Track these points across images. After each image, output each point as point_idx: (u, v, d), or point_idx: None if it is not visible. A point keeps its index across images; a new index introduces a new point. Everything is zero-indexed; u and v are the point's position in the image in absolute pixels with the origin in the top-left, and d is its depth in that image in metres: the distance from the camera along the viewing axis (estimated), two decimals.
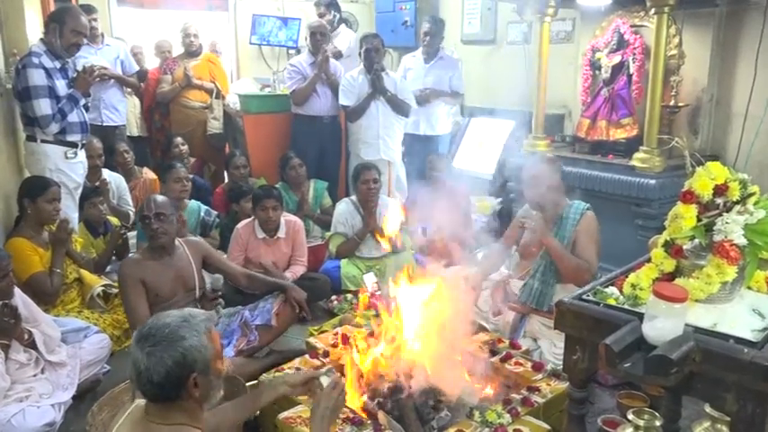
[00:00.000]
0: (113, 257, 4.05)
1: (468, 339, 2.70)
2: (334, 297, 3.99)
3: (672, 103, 3.99)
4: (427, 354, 2.54)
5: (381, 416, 2.33)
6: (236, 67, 7.04)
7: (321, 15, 5.80)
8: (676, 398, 2.22)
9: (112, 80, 5.28)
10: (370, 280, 4.07)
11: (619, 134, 4.25)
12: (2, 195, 3.75)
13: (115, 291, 3.56)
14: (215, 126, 5.72)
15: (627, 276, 1.90)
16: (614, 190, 3.93)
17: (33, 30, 4.24)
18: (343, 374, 2.62)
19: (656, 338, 1.56)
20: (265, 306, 3.34)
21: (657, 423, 1.97)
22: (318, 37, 5.05)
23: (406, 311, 2.62)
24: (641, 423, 1.97)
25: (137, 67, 5.66)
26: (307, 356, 2.88)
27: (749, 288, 1.91)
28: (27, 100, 3.53)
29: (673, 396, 2.21)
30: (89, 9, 4.94)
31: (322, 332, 3.34)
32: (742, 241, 1.76)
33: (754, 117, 3.86)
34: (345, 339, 2.96)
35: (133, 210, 4.54)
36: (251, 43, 6.29)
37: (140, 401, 1.71)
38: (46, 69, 3.54)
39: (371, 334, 2.86)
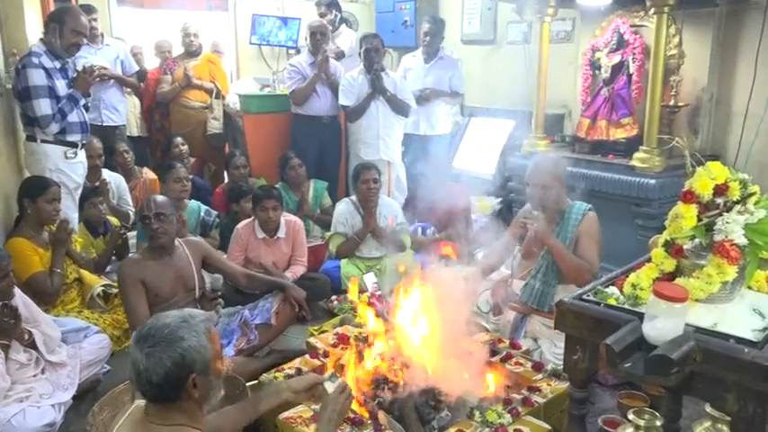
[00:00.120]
0: (113, 257, 4.05)
1: (468, 339, 2.70)
2: (334, 297, 3.99)
3: (672, 102, 3.99)
4: (427, 354, 2.54)
5: (382, 416, 2.33)
6: (235, 67, 7.04)
7: (322, 15, 5.79)
8: (677, 398, 2.21)
9: (112, 80, 5.28)
10: (369, 280, 4.07)
11: (619, 134, 4.25)
12: (2, 195, 3.75)
13: (115, 291, 3.56)
14: (215, 126, 5.72)
15: (627, 276, 1.90)
16: (614, 190, 3.93)
17: (33, 30, 4.24)
18: (343, 374, 2.63)
19: (656, 338, 1.56)
20: (265, 305, 3.34)
21: (658, 423, 1.97)
22: (318, 37, 5.05)
23: (406, 312, 2.62)
24: (642, 423, 1.97)
25: (136, 68, 5.66)
26: (307, 356, 2.88)
27: (749, 288, 1.91)
28: (27, 100, 3.53)
29: (673, 396, 2.21)
30: (89, 9, 4.95)
31: (322, 332, 3.34)
32: (742, 241, 1.76)
33: (755, 117, 3.86)
34: (345, 339, 2.97)
35: (133, 210, 4.53)
36: (251, 43, 6.29)
37: (140, 402, 1.71)
38: (46, 69, 3.54)
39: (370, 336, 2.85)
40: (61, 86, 3.63)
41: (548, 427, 2.32)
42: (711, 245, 1.79)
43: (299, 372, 2.69)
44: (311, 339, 3.13)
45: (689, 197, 1.82)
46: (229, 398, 2.23)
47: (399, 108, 4.91)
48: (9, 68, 3.91)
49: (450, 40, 5.93)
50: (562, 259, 3.05)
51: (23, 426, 2.46)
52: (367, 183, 4.22)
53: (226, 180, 5.37)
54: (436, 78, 5.33)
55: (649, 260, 1.92)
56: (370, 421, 2.31)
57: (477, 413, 2.33)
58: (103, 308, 3.55)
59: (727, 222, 1.77)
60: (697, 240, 1.83)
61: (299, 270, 4.00)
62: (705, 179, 1.82)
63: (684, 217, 1.80)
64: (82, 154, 3.87)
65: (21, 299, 2.79)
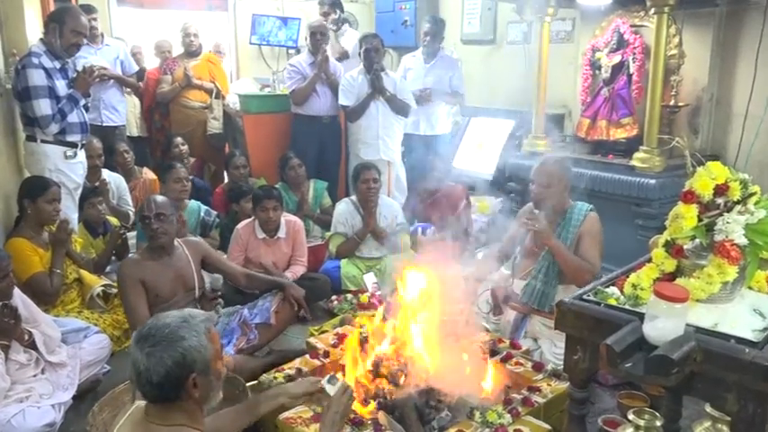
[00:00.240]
0: (113, 258, 4.04)
1: (468, 339, 2.69)
2: (334, 297, 3.99)
3: (672, 102, 3.99)
4: (428, 354, 2.54)
5: (382, 416, 2.33)
6: (235, 67, 7.04)
7: (326, 14, 5.76)
8: (677, 398, 2.21)
9: (112, 80, 5.28)
10: (370, 280, 4.08)
11: (619, 134, 4.26)
12: (2, 195, 3.75)
13: (115, 291, 3.56)
14: (215, 126, 5.71)
15: (628, 276, 1.89)
16: (614, 190, 3.93)
17: (33, 30, 4.24)
18: (343, 374, 2.63)
19: (656, 338, 1.56)
20: (264, 304, 3.35)
21: (658, 423, 1.97)
22: (318, 37, 5.05)
23: (406, 312, 2.62)
24: (642, 423, 1.97)
25: (136, 68, 5.66)
26: (307, 356, 2.88)
27: (750, 288, 1.91)
28: (27, 100, 3.53)
29: (673, 396, 2.21)
30: (89, 9, 4.94)
31: (322, 332, 3.34)
32: (743, 241, 1.76)
33: (755, 117, 3.86)
34: (345, 339, 2.96)
35: (133, 210, 4.53)
36: (251, 43, 6.28)
37: (140, 403, 1.71)
38: (46, 69, 3.54)
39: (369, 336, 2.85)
40: (61, 87, 3.63)
41: (548, 427, 2.32)
42: (712, 245, 1.79)
43: (299, 372, 2.69)
44: (311, 339, 3.13)
45: (689, 197, 1.82)
46: (229, 398, 2.23)
47: (399, 108, 4.91)
48: (9, 68, 3.91)
49: (450, 40, 5.93)
50: (563, 259, 3.05)
51: (23, 426, 2.46)
52: (367, 183, 4.22)
53: (226, 180, 5.37)
54: (436, 78, 5.33)
55: (650, 260, 1.92)
56: (370, 421, 2.31)
57: (477, 413, 2.33)
58: (103, 308, 3.54)
59: (727, 222, 1.77)
60: (697, 240, 1.83)
61: (299, 270, 4.00)
62: (705, 179, 1.82)
63: (685, 217, 1.80)
64: (82, 154, 3.87)
65: (20, 299, 2.79)
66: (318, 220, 4.79)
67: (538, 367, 2.72)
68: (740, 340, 1.55)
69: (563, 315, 1.82)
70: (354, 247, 4.28)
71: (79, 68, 3.85)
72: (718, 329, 1.62)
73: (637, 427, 1.98)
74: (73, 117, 3.69)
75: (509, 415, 2.33)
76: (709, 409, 2.07)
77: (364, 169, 4.29)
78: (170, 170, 4.33)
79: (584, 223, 3.11)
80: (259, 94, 5.77)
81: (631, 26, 4.22)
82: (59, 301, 3.42)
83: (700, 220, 1.81)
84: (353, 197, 4.40)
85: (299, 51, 5.86)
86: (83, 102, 3.77)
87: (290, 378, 2.62)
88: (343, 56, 5.66)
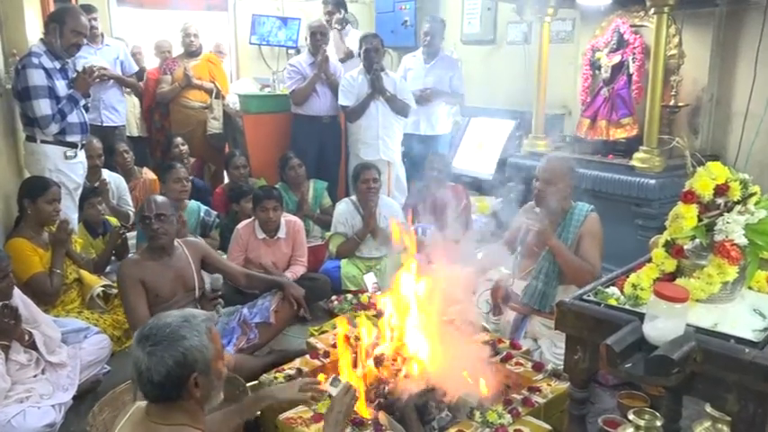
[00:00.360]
0: (113, 258, 4.04)
1: (469, 339, 2.69)
2: (334, 297, 3.99)
3: (672, 102, 3.99)
4: (428, 354, 2.54)
5: (382, 416, 2.33)
6: (235, 67, 7.04)
7: (330, 13, 5.75)
8: (677, 398, 2.21)
9: (112, 81, 5.27)
10: (370, 280, 4.08)
11: (619, 134, 4.26)
12: (2, 196, 3.75)
13: (115, 291, 3.56)
14: (215, 126, 5.71)
15: (628, 276, 1.89)
16: (614, 190, 3.93)
17: (33, 30, 4.24)
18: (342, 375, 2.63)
19: (657, 338, 1.56)
20: (264, 304, 3.35)
21: (658, 423, 1.97)
22: (318, 37, 5.05)
23: (406, 311, 2.62)
24: (642, 423, 1.97)
25: (136, 68, 5.66)
26: (307, 356, 2.88)
27: (750, 288, 1.91)
28: (27, 100, 3.53)
29: (673, 396, 2.21)
30: (89, 9, 4.94)
31: (322, 332, 3.34)
32: (743, 241, 1.76)
33: (755, 116, 3.86)
34: (346, 339, 2.96)
35: (133, 210, 4.53)
36: (251, 43, 6.28)
37: (140, 403, 1.72)
38: (46, 70, 3.54)
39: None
40: (61, 87, 3.63)
41: (548, 427, 2.32)
42: (712, 245, 1.79)
43: (299, 372, 2.69)
44: (311, 339, 3.13)
45: (689, 197, 1.82)
46: (229, 398, 2.23)
47: (399, 108, 4.91)
48: (9, 68, 3.91)
49: (450, 40, 5.94)
50: (564, 260, 3.05)
51: (23, 426, 2.46)
52: (367, 182, 4.22)
53: (226, 180, 5.36)
54: (436, 78, 5.33)
55: (650, 260, 1.92)
56: (370, 422, 2.31)
57: (477, 413, 2.33)
58: (103, 308, 3.54)
59: (727, 222, 1.77)
60: (697, 240, 1.83)
61: (299, 270, 4.00)
62: (706, 179, 1.82)
63: (685, 217, 1.80)
64: (82, 154, 3.87)
65: (20, 299, 2.78)
66: (318, 220, 4.79)
67: (538, 367, 2.71)
68: (740, 340, 1.55)
69: (563, 315, 1.82)
70: (354, 247, 4.28)
71: (79, 68, 3.85)
72: (718, 329, 1.62)
73: (637, 427, 1.98)
74: (73, 117, 3.69)
75: (509, 415, 2.33)
76: (709, 409, 2.07)
77: (364, 169, 4.29)
78: (170, 170, 4.33)
79: (584, 224, 3.11)
80: (259, 94, 5.77)
81: (631, 26, 4.22)
82: (59, 302, 3.42)
83: (700, 220, 1.81)
84: (353, 197, 4.40)
85: (298, 51, 5.86)
86: (83, 102, 3.77)
87: (290, 378, 2.62)
88: (348, 56, 5.65)
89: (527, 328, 3.18)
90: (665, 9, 3.65)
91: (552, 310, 2.66)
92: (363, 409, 2.38)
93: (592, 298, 1.84)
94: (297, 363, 2.80)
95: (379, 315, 3.48)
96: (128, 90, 5.61)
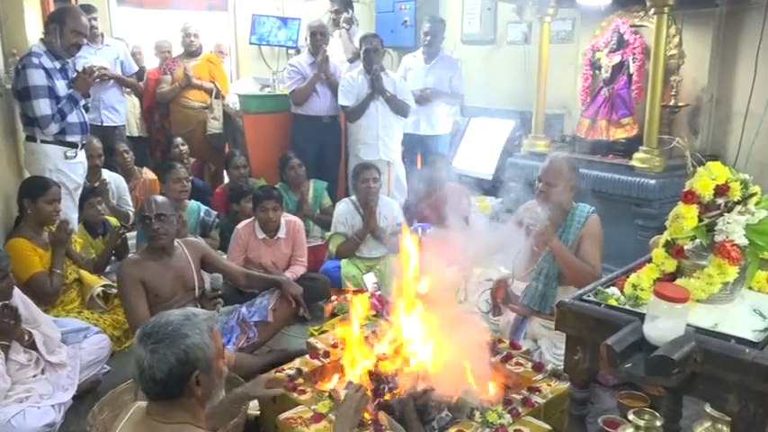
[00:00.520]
0: (113, 258, 4.04)
1: (468, 339, 2.69)
2: (334, 297, 3.98)
3: (672, 102, 3.99)
4: (428, 354, 2.54)
5: (382, 416, 2.33)
6: (235, 67, 7.04)
7: (337, 12, 5.75)
8: (677, 398, 2.21)
9: (112, 81, 5.27)
10: (369, 280, 4.07)
11: (619, 134, 4.26)
12: (2, 196, 3.75)
13: (115, 291, 3.56)
14: (215, 126, 5.71)
15: (628, 276, 1.89)
16: (614, 190, 3.93)
17: (33, 30, 4.24)
18: (342, 374, 2.63)
19: (657, 339, 1.56)
20: (262, 302, 3.36)
21: (658, 423, 1.97)
22: (318, 37, 5.05)
23: (406, 312, 2.62)
24: (642, 423, 1.97)
25: (136, 68, 5.66)
26: (307, 356, 2.88)
27: (750, 288, 1.91)
28: (27, 100, 3.53)
29: (673, 396, 2.21)
30: (89, 9, 4.93)
31: (322, 332, 3.34)
32: (743, 241, 1.75)
33: (755, 116, 3.86)
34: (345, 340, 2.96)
35: (133, 210, 4.53)
36: (250, 43, 6.28)
37: (141, 403, 1.72)
38: (46, 69, 3.54)
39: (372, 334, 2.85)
40: (61, 87, 3.63)
41: (548, 427, 2.31)
42: (712, 245, 1.78)
43: (299, 372, 2.69)
44: (311, 339, 3.13)
45: (690, 197, 1.82)
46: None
47: (399, 108, 4.91)
48: (9, 68, 3.91)
49: (450, 40, 5.93)
50: (564, 261, 3.04)
51: (23, 426, 2.46)
52: (367, 182, 4.22)
53: (226, 180, 5.36)
54: (436, 78, 5.33)
55: (650, 260, 1.92)
56: (370, 421, 2.31)
57: (477, 413, 2.33)
58: (103, 308, 3.54)
59: (727, 223, 1.77)
60: (698, 241, 1.83)
61: (299, 270, 3.99)
62: (706, 179, 1.81)
63: (685, 217, 1.80)
64: (82, 154, 3.87)
65: (20, 299, 2.78)
66: (318, 220, 4.79)
67: (538, 367, 2.71)
68: (740, 340, 1.55)
69: (563, 315, 1.82)
70: (354, 247, 4.28)
71: (79, 68, 3.85)
72: (718, 330, 1.62)
73: (637, 427, 1.98)
74: (73, 117, 3.68)
75: (509, 415, 2.33)
76: (709, 409, 2.07)
77: (364, 169, 4.29)
78: (170, 170, 4.33)
79: (585, 225, 3.11)
80: (259, 94, 5.77)
81: (631, 26, 4.22)
82: (59, 302, 3.42)
83: (700, 220, 1.81)
84: (353, 197, 4.40)
85: (298, 51, 5.86)
86: (82, 102, 3.77)
87: (290, 378, 2.62)
88: (357, 56, 5.64)
89: (527, 329, 3.18)
90: (665, 9, 3.65)
91: (552, 311, 2.66)
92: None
93: (592, 298, 1.84)
94: (297, 363, 2.80)
95: (378, 315, 3.49)
96: (128, 90, 5.61)
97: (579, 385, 1.86)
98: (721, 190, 1.82)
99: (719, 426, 2.07)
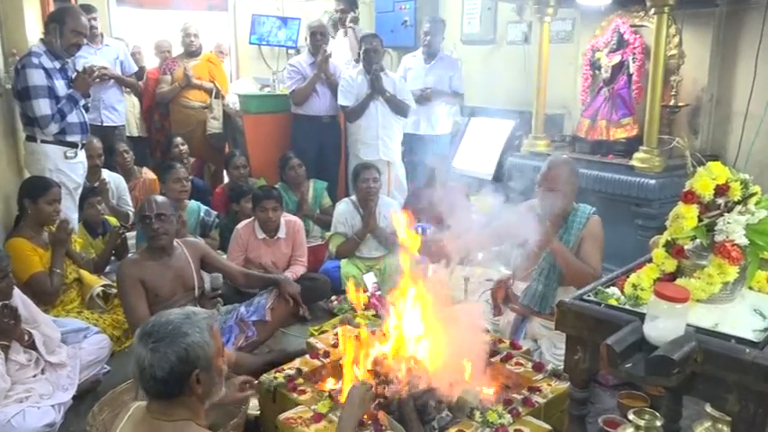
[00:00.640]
0: (113, 258, 4.04)
1: (469, 339, 2.69)
2: (334, 297, 3.99)
3: (672, 102, 3.99)
4: (428, 354, 2.54)
5: (382, 416, 2.33)
6: (235, 67, 7.04)
7: (344, 12, 5.75)
8: (677, 398, 2.21)
9: (112, 80, 5.27)
10: (370, 280, 4.07)
11: (619, 134, 4.26)
12: (2, 196, 3.75)
13: (115, 291, 3.55)
14: (215, 126, 5.71)
15: (628, 276, 1.89)
16: (614, 190, 3.93)
17: (33, 30, 4.24)
18: (342, 374, 2.63)
19: (657, 339, 1.56)
20: (260, 301, 3.37)
21: (658, 423, 1.97)
22: (318, 37, 5.05)
23: (406, 312, 2.62)
24: (642, 423, 1.97)
25: (136, 68, 5.66)
26: (307, 356, 2.88)
27: (750, 288, 1.91)
28: (26, 100, 3.53)
29: (674, 396, 2.21)
30: (88, 9, 4.93)
31: (322, 332, 3.34)
32: (743, 241, 1.75)
33: (755, 116, 3.86)
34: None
35: (132, 210, 4.53)
36: (250, 43, 6.28)
37: (140, 402, 1.72)
38: (45, 69, 3.54)
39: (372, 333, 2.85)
40: (61, 87, 3.63)
41: (548, 427, 2.31)
42: (712, 245, 1.78)
43: (299, 372, 2.68)
44: (311, 339, 3.13)
45: (690, 197, 1.82)
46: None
47: (398, 108, 4.91)
48: (9, 68, 3.91)
49: (450, 40, 5.93)
50: (565, 262, 3.04)
51: (23, 426, 2.46)
52: (366, 182, 4.22)
53: (226, 180, 5.37)
54: (436, 78, 5.33)
55: (650, 260, 1.92)
56: (370, 422, 2.31)
57: (477, 413, 2.33)
58: (103, 308, 3.54)
59: (728, 223, 1.77)
60: (698, 241, 1.83)
61: (299, 270, 4.00)
62: (706, 179, 1.81)
63: (685, 217, 1.80)
64: (82, 154, 3.87)
65: (20, 299, 2.78)
66: (318, 220, 4.79)
67: (538, 367, 2.71)
68: (741, 340, 1.55)
69: (563, 315, 1.82)
70: (354, 247, 4.28)
71: (79, 68, 3.85)
72: (718, 330, 1.62)
73: (637, 427, 1.98)
74: (73, 117, 3.69)
75: (509, 415, 2.33)
76: (709, 409, 2.07)
77: (364, 169, 4.29)
78: (170, 170, 4.33)
79: (586, 226, 3.10)
80: (259, 94, 5.77)
81: (631, 26, 4.22)
82: (59, 301, 3.42)
83: (700, 220, 1.81)
84: (353, 197, 4.40)
85: (298, 51, 5.86)
86: (82, 102, 3.77)
87: (290, 378, 2.62)
88: None
89: (527, 329, 3.18)
90: (665, 9, 3.65)
91: (552, 311, 2.66)
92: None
93: (592, 298, 1.84)
94: (297, 363, 2.79)
95: (378, 315, 3.48)
96: (127, 90, 5.61)
97: (579, 385, 1.86)
98: (721, 190, 1.82)
99: (719, 426, 2.07)
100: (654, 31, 3.76)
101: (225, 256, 3.87)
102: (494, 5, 5.77)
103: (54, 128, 3.61)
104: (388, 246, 4.28)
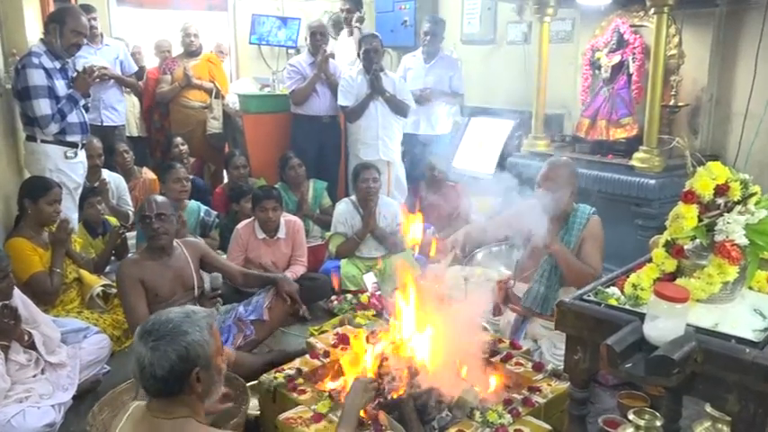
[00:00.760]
0: (113, 258, 4.04)
1: (469, 339, 2.69)
2: (333, 297, 3.99)
3: (672, 102, 3.99)
4: (428, 354, 2.54)
5: (382, 416, 2.32)
6: (235, 67, 7.04)
7: (349, 12, 5.74)
8: (677, 398, 2.21)
9: (112, 80, 5.27)
10: (370, 280, 4.07)
11: (619, 134, 4.26)
12: (2, 196, 3.75)
13: (115, 291, 3.55)
14: (214, 126, 5.71)
15: (628, 276, 1.89)
16: (614, 190, 3.93)
17: (33, 30, 4.24)
18: (342, 374, 2.63)
19: (657, 339, 1.56)
20: (258, 301, 3.36)
21: (658, 423, 1.97)
22: (318, 37, 5.05)
23: (407, 312, 2.62)
24: (642, 423, 1.97)
25: (136, 68, 5.66)
26: (307, 356, 2.88)
27: (750, 288, 1.91)
28: (27, 100, 3.53)
29: (673, 396, 2.21)
30: (88, 9, 4.93)
31: (322, 332, 3.34)
32: (743, 241, 1.75)
33: (754, 116, 3.86)
34: (345, 339, 2.96)
35: (132, 210, 4.53)
36: (250, 43, 6.29)
37: (140, 402, 1.72)
38: (46, 69, 3.54)
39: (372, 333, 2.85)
40: (61, 87, 3.63)
41: (548, 427, 2.31)
42: (712, 245, 1.78)
43: (299, 372, 2.68)
44: (311, 339, 3.13)
45: (690, 197, 1.82)
46: (229, 398, 2.24)
47: (398, 108, 4.91)
48: (9, 68, 3.91)
49: (450, 40, 5.93)
50: (566, 264, 3.03)
51: (23, 426, 2.46)
52: (366, 182, 4.22)
53: (226, 180, 5.37)
54: (436, 78, 5.33)
55: (650, 260, 1.92)
56: (370, 422, 2.31)
57: (477, 413, 2.33)
58: (103, 308, 3.54)
59: (727, 222, 1.77)
60: (698, 241, 1.83)
61: (299, 270, 4.00)
62: (706, 179, 1.81)
63: (685, 217, 1.80)
64: (82, 154, 3.87)
65: (20, 299, 2.78)
66: (318, 220, 4.79)
67: (538, 367, 2.71)
68: (741, 340, 1.55)
69: (563, 315, 1.82)
70: (354, 247, 4.28)
71: (79, 68, 3.85)
72: (718, 330, 1.62)
73: (637, 427, 1.98)
74: (73, 117, 3.69)
75: (509, 415, 2.32)
76: (709, 409, 2.07)
77: (364, 169, 4.29)
78: (170, 170, 4.33)
79: (587, 227, 3.10)
80: (259, 93, 5.78)
81: (631, 26, 4.22)
82: (59, 301, 3.42)
83: (700, 220, 1.81)
84: (353, 197, 4.40)
85: (298, 51, 5.86)
86: (82, 102, 3.77)
87: (290, 378, 2.62)
88: None
89: (527, 330, 3.18)
90: (665, 9, 3.65)
91: (553, 312, 2.66)
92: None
93: (592, 298, 1.84)
94: (297, 363, 2.79)
95: (378, 315, 3.49)
96: (127, 90, 5.61)
97: (579, 385, 1.86)
98: (721, 190, 1.82)
99: (719, 426, 2.07)
100: (654, 31, 3.76)
101: (225, 256, 3.87)
102: (494, 5, 5.77)
103: (54, 128, 3.61)
104: (388, 246, 4.29)
